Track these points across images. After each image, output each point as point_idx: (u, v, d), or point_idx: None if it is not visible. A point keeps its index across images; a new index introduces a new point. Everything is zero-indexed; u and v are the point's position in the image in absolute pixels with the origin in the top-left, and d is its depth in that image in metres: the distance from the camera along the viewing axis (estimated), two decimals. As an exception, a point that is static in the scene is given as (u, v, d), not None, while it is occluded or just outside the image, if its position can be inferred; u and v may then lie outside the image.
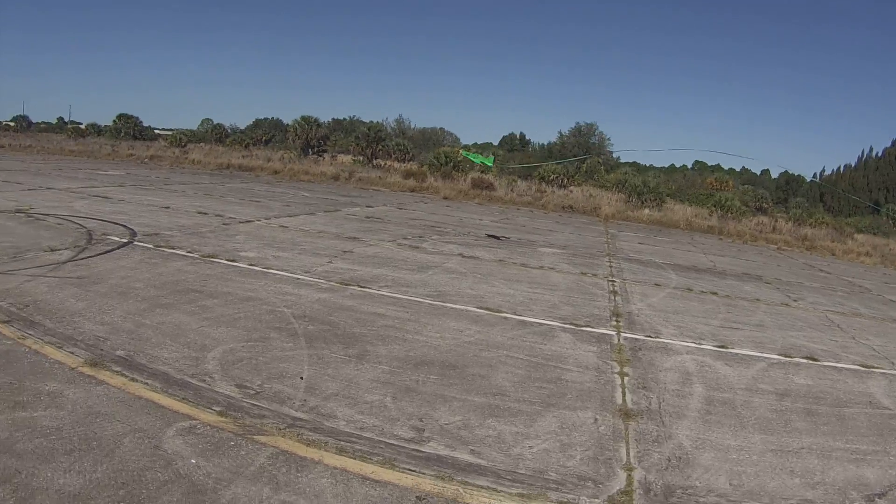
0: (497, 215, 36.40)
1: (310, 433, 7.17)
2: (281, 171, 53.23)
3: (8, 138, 70.10)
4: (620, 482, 6.80)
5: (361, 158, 65.13)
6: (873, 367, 12.40)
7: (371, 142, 66.08)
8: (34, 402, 7.20)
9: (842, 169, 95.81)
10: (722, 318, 15.15)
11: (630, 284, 18.47)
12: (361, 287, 14.25)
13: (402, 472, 6.51)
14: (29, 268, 12.97)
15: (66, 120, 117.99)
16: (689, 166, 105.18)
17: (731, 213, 45.75)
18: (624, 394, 9.45)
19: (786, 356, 12.38)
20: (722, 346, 12.52)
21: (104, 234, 17.40)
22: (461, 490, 6.28)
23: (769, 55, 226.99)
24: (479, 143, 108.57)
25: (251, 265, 15.36)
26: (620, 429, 8.20)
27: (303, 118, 69.64)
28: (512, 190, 50.13)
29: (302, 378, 8.76)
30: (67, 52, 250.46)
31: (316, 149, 69.08)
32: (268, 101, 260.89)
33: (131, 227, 19.08)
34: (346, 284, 14.35)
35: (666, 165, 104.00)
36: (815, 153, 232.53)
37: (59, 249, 14.88)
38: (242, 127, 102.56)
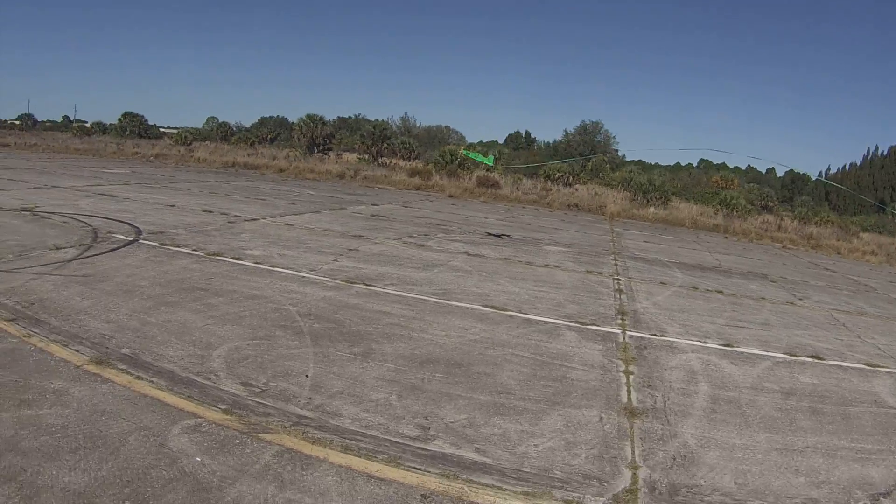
0: (502, 213, 36.41)
1: (315, 431, 7.17)
2: (286, 169, 53.27)
3: (13, 137, 70.13)
4: (625, 481, 6.80)
5: (367, 157, 65.17)
6: (878, 366, 12.38)
7: (376, 140, 66.10)
8: (39, 400, 7.20)
9: (847, 167, 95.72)
10: (727, 317, 15.14)
11: (635, 283, 18.46)
12: (367, 285, 14.25)
13: (408, 471, 6.50)
14: (34, 266, 12.99)
15: (71, 118, 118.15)
16: (695, 164, 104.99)
17: (737, 212, 45.70)
18: (629, 392, 9.44)
19: (791, 355, 12.37)
20: (727, 345, 12.51)
21: (109, 233, 17.41)
22: (466, 488, 6.27)
23: (774, 53, 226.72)
24: (484, 141, 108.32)
25: (256, 263, 15.37)
26: (625, 427, 8.19)
27: (308, 116, 69.74)
28: (517, 188, 50.15)
29: (307, 376, 8.77)
30: (72, 50, 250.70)
31: (321, 147, 69.15)
32: (273, 99, 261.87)
33: (137, 225, 19.10)
34: (352, 282, 14.36)
35: (671, 164, 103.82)
36: (821, 151, 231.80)
37: (64, 248, 14.89)
38: (248, 125, 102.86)
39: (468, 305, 13.42)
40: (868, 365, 12.37)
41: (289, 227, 22.00)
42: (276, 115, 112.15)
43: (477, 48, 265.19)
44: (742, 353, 12.18)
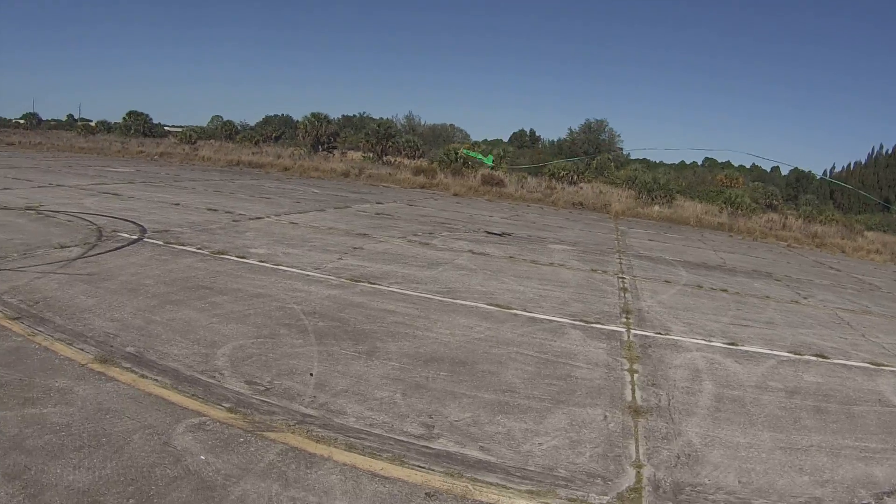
0: (507, 212, 36.38)
1: (319, 430, 7.18)
2: (291, 167, 53.31)
3: (18, 136, 70.21)
4: (630, 479, 6.79)
5: (371, 155, 65.18)
6: (883, 365, 12.36)
7: (381, 138, 66.14)
8: (44, 399, 7.22)
9: (852, 166, 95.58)
10: (732, 316, 15.13)
11: (640, 281, 18.45)
12: (371, 284, 14.26)
13: (412, 469, 6.51)
14: (39, 265, 13.01)
15: (76, 117, 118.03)
16: (700, 163, 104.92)
17: (742, 210, 45.63)
18: (633, 391, 9.44)
19: (795, 353, 12.35)
20: (732, 344, 12.50)
21: (114, 231, 17.44)
22: (470, 487, 6.28)
23: (780, 51, 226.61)
24: (489, 139, 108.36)
25: (261, 262, 15.38)
26: (630, 426, 8.19)
27: (313, 115, 69.78)
28: (522, 186, 50.14)
29: (312, 374, 8.77)
30: (77, 49, 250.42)
31: (326, 145, 69.22)
32: (278, 97, 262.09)
33: (141, 223, 19.12)
34: (356, 281, 14.37)
35: (676, 162, 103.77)
36: (826, 150, 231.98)
37: (69, 246, 14.92)
38: (252, 124, 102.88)
39: (473, 304, 13.42)
40: (872, 364, 12.35)
41: (293, 226, 22.02)
42: (280, 114, 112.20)
43: (481, 46, 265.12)
44: (746, 351, 12.17)
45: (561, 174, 56.09)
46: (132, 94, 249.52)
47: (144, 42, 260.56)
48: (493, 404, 8.41)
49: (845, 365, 12.07)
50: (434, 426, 7.60)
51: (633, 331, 12.74)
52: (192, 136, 72.39)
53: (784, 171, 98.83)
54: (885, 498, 6.98)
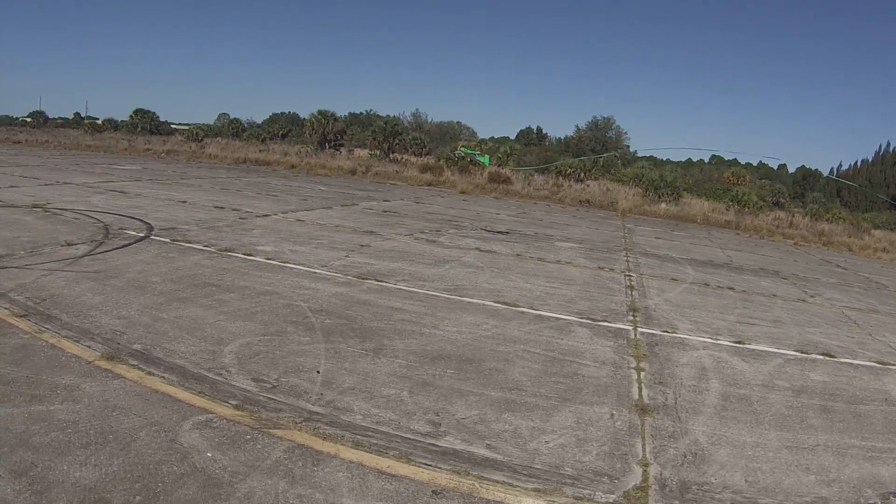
0: (514, 209, 36.36)
1: (326, 427, 7.18)
2: (298, 165, 53.35)
3: (25, 134, 70.50)
4: (636, 478, 6.79)
5: (378, 153, 65.31)
6: (890, 364, 12.33)
7: (388, 136, 66.23)
8: (51, 396, 7.23)
9: (859, 164, 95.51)
10: (738, 314, 15.10)
11: (647, 279, 18.43)
12: (378, 281, 14.27)
13: (419, 467, 6.51)
14: (46, 262, 13.03)
15: (83, 115, 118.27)
16: (706, 161, 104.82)
17: (748, 208, 45.59)
18: (640, 389, 9.43)
19: (802, 352, 12.33)
20: (738, 342, 12.48)
21: (121, 229, 17.47)
22: (477, 485, 6.27)
23: (787, 49, 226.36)
24: (496, 137, 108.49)
25: (268, 259, 15.39)
26: (636, 424, 8.18)
27: (319, 112, 69.91)
28: (529, 184, 50.15)
29: (319, 372, 8.77)
30: (83, 47, 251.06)
31: (333, 143, 69.32)
32: (284, 95, 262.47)
33: (148, 221, 19.15)
34: (364, 278, 14.37)
35: (683, 160, 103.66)
36: (833, 148, 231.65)
37: (76, 244, 14.94)
38: (259, 121, 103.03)
39: (480, 301, 13.41)
40: (879, 363, 12.32)
41: (300, 224, 22.03)
42: (287, 112, 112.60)
43: (489, 44, 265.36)
44: (753, 350, 12.15)
45: (568, 172, 56.08)
46: (139, 92, 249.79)
47: (151, 40, 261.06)
48: (499, 402, 8.40)
49: (852, 364, 12.04)
50: (441, 424, 7.60)
51: (639, 329, 12.73)
52: (198, 134, 72.57)
53: (791, 169, 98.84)
54: (891, 498, 6.96)
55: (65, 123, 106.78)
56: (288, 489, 5.81)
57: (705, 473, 7.03)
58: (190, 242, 16.51)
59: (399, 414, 7.76)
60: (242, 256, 15.43)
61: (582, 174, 56.92)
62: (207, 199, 26.62)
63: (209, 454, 6.28)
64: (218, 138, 75.81)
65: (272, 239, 18.28)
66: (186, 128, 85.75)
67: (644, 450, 7.47)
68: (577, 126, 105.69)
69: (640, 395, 9.20)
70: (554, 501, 6.17)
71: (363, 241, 19.57)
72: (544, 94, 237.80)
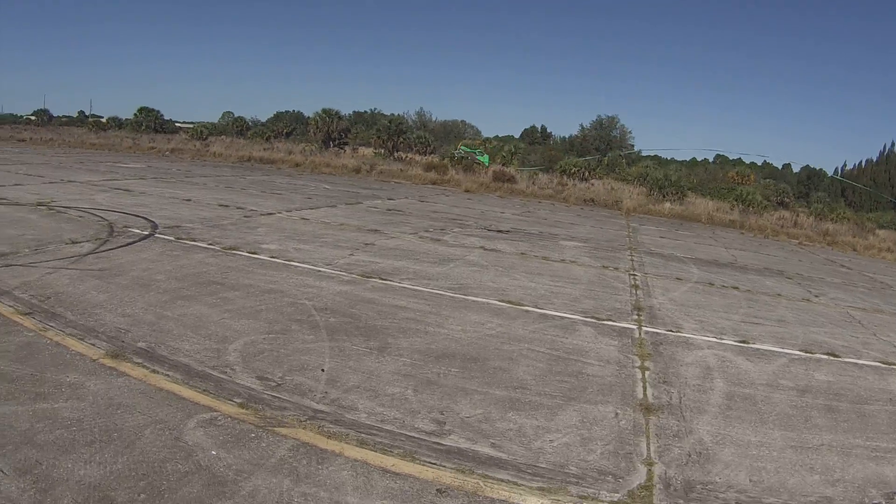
0: (518, 208, 36.34)
1: (331, 425, 7.19)
2: (302, 163, 53.37)
3: (29, 132, 70.56)
4: (640, 477, 6.78)
5: (383, 151, 65.33)
6: (894, 364, 12.31)
7: (392, 134, 66.28)
8: (55, 394, 7.24)
9: (863, 164, 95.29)
10: (743, 313, 15.09)
11: (651, 278, 18.42)
12: (383, 279, 14.28)
13: (423, 465, 6.51)
14: (50, 260, 13.05)
15: (87, 113, 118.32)
16: (711, 160, 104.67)
17: (753, 208, 45.56)
18: (645, 388, 9.42)
19: (807, 352, 12.32)
20: (743, 342, 12.47)
21: (125, 227, 17.49)
22: (481, 483, 6.27)
23: (792, 49, 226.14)
24: (500, 135, 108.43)
25: (273, 257, 15.40)
26: (641, 423, 8.18)
27: (324, 111, 69.90)
28: (533, 183, 50.15)
29: (323, 370, 8.78)
30: (87, 45, 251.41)
31: (337, 141, 69.30)
32: (289, 93, 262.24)
33: (153, 219, 19.18)
34: (368, 277, 14.38)
35: (687, 159, 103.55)
36: (837, 148, 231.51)
37: (80, 242, 14.96)
38: (263, 120, 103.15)
39: (484, 300, 13.41)
40: (884, 363, 12.31)
41: (305, 222, 22.04)
42: (291, 110, 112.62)
43: (493, 43, 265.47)
44: (758, 349, 12.14)
45: (572, 171, 56.06)
46: (143, 90, 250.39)
47: (155, 38, 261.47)
48: (504, 401, 8.40)
49: (856, 364, 12.03)
50: (445, 422, 7.60)
51: (644, 328, 12.73)
52: (203, 133, 72.60)
53: (795, 169, 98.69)
54: (895, 498, 6.96)
55: (69, 122, 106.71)
56: (292, 487, 5.82)
57: (710, 473, 7.03)
58: (194, 240, 16.53)
59: (403, 412, 7.76)
60: (247, 255, 15.44)
61: (586, 173, 56.89)
62: (212, 197, 26.65)
63: (214, 452, 6.28)
64: (222, 137, 75.76)
65: (277, 237, 18.29)
66: (191, 126, 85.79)
67: (648, 449, 7.47)
68: (581, 125, 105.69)
69: (645, 394, 9.20)
70: (558, 500, 6.17)
71: (367, 239, 19.58)
72: (549, 93, 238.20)
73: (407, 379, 8.78)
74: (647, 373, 10.09)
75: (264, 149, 62.58)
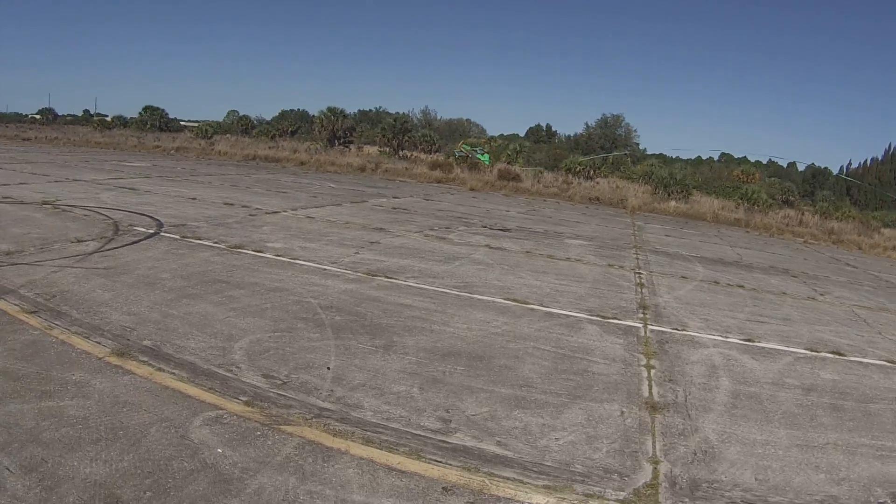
0: (524, 207, 36.32)
1: (336, 423, 7.19)
2: (307, 162, 53.39)
3: (34, 131, 70.86)
4: (646, 475, 6.78)
5: (388, 149, 65.38)
6: (900, 363, 12.32)
7: (397, 133, 66.31)
8: (61, 392, 7.25)
9: (868, 162, 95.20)
10: (748, 312, 15.08)
11: (657, 277, 18.41)
12: (388, 278, 14.28)
13: (429, 463, 6.51)
14: (56, 259, 13.06)
15: (92, 112, 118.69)
16: (716, 158, 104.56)
17: (758, 206, 45.49)
18: (650, 386, 9.42)
19: (812, 350, 12.30)
20: (748, 340, 12.46)
21: (131, 225, 17.50)
22: (487, 481, 6.27)
23: (797, 47, 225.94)
24: (505, 134, 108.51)
25: (278, 256, 15.41)
26: (647, 422, 8.18)
27: (329, 109, 69.87)
28: (538, 181, 50.08)
29: (329, 368, 8.78)
30: (92, 44, 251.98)
31: (342, 140, 69.28)
32: (294, 92, 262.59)
33: (158, 218, 19.19)
34: (373, 275, 14.38)
35: (692, 157, 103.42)
36: (842, 146, 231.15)
37: (85, 240, 14.98)
38: (268, 118, 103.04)
39: (490, 298, 13.41)
40: (889, 362, 12.29)
41: (310, 220, 22.04)
42: (296, 109, 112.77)
43: (498, 41, 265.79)
44: (763, 348, 12.13)
45: (577, 169, 56.03)
46: (148, 89, 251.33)
47: (160, 37, 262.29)
48: (510, 399, 8.40)
49: (862, 362, 12.02)
50: (451, 421, 7.60)
51: (650, 326, 12.72)
52: (208, 131, 72.55)
53: (800, 167, 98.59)
54: (902, 496, 6.95)
55: (74, 120, 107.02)
56: (298, 485, 5.82)
57: (715, 471, 7.02)
58: (200, 239, 16.54)
59: (409, 411, 7.77)
60: (252, 253, 15.45)
61: (591, 171, 56.86)
62: (217, 195, 26.66)
63: (219, 450, 6.29)
64: (227, 135, 75.83)
65: (282, 236, 18.30)
66: (196, 125, 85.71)
67: (654, 447, 7.47)
68: (586, 123, 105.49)
69: (651, 392, 9.19)
70: (564, 499, 6.17)
71: (373, 237, 19.59)
72: (554, 92, 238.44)
73: (412, 377, 8.78)
74: (652, 371, 10.08)
75: (269, 147, 62.62)
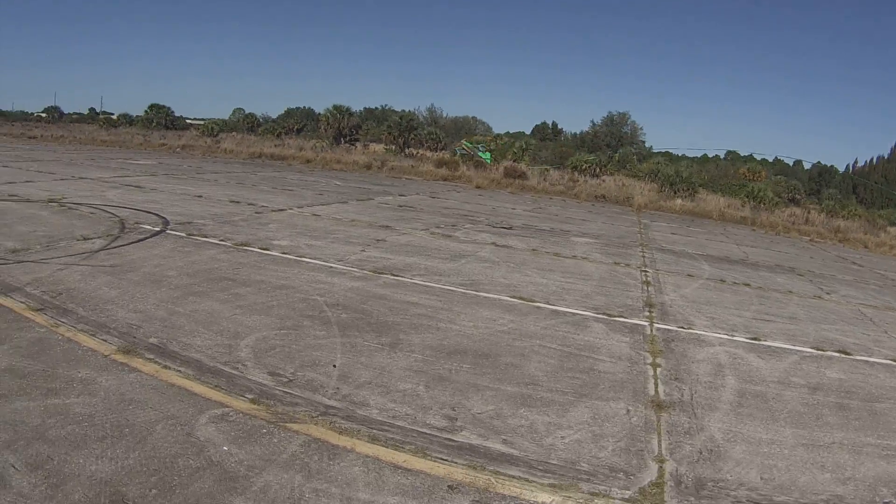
0: (530, 204, 36.28)
1: (342, 421, 7.20)
2: (313, 160, 53.35)
3: (40, 129, 70.79)
4: (652, 474, 6.78)
5: (393, 147, 65.27)
6: (906, 362, 12.30)
7: (403, 131, 66.20)
8: (67, 389, 7.26)
9: (875, 161, 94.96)
10: (754, 310, 15.06)
11: (663, 275, 18.39)
12: (394, 276, 14.29)
13: (435, 461, 6.52)
14: (62, 256, 13.08)
15: (98, 110, 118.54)
16: (722, 156, 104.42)
17: (764, 204, 45.40)
18: (656, 385, 9.42)
19: (818, 349, 12.28)
20: (754, 339, 12.44)
21: (137, 223, 17.52)
22: (493, 480, 6.27)
23: (803, 46, 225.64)
24: (511, 131, 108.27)
25: (284, 254, 15.42)
26: (652, 420, 8.17)
27: (335, 107, 69.68)
28: (544, 179, 50.03)
29: (335, 366, 8.79)
30: (98, 42, 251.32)
31: (348, 138, 69.17)
32: (299, 90, 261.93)
33: (164, 215, 19.21)
34: (379, 273, 14.39)
35: (698, 155, 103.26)
36: (849, 144, 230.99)
37: (91, 238, 15.00)
38: (274, 116, 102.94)
39: (496, 296, 13.41)
40: (895, 360, 12.28)
41: (316, 218, 22.06)
42: (302, 106, 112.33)
43: (504, 39, 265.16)
44: (769, 346, 12.12)
45: (583, 167, 55.97)
46: (154, 87, 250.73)
47: (166, 35, 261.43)
48: (515, 397, 8.41)
49: (868, 361, 12.00)
50: (457, 419, 7.61)
51: (656, 324, 12.71)
52: (214, 129, 72.54)
53: (806, 166, 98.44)
54: (907, 495, 6.94)
55: (80, 119, 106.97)
56: (304, 483, 5.83)
57: (721, 470, 7.02)
58: (206, 237, 16.56)
59: (415, 408, 7.77)
60: (258, 251, 15.46)
61: (598, 169, 56.78)
62: (223, 193, 26.69)
63: (225, 448, 6.30)
64: (233, 133, 75.71)
65: (288, 233, 18.31)
66: (201, 123, 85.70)
67: (660, 446, 7.47)
68: (592, 121, 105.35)
69: (656, 391, 9.19)
70: (570, 497, 6.17)
71: (379, 235, 19.59)
72: (560, 90, 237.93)
73: (418, 375, 8.79)
74: (658, 369, 10.08)
75: (275, 145, 62.61)
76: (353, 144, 67.76)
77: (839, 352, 12.30)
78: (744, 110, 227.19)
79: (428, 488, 6.00)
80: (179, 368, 8.20)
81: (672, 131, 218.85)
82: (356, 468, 6.21)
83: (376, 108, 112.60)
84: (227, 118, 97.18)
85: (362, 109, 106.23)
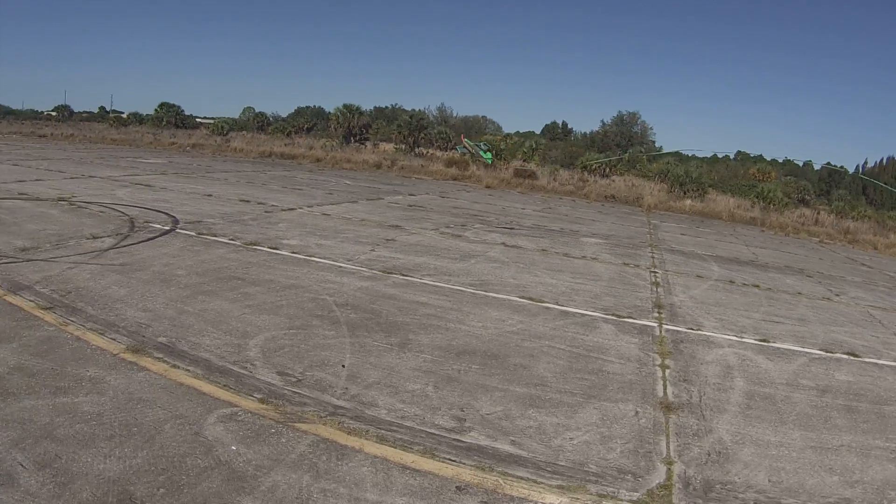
0: (539, 204, 36.29)
1: (351, 421, 7.20)
2: (323, 159, 53.42)
3: (50, 128, 70.94)
4: (660, 476, 6.77)
5: (403, 146, 65.29)
6: (916, 365, 12.26)
7: (413, 130, 66.24)
8: (75, 388, 7.27)
9: (885, 161, 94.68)
10: (764, 312, 15.03)
11: (672, 276, 18.37)
12: (404, 275, 14.29)
13: (443, 462, 6.52)
14: (71, 255, 13.11)
15: (108, 109, 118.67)
16: (732, 157, 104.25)
17: (774, 205, 45.31)
18: (665, 386, 9.40)
19: (827, 351, 12.25)
20: (763, 340, 12.42)
21: (146, 222, 17.55)
22: (501, 481, 6.27)
23: (813, 46, 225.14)
24: (521, 131, 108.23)
25: (293, 253, 15.43)
26: (661, 422, 8.16)
27: (345, 106, 69.71)
28: (554, 179, 50.04)
29: (344, 366, 8.79)
30: (108, 41, 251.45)
31: (358, 137, 69.23)
32: (310, 89, 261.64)
33: (173, 214, 19.23)
34: (389, 273, 14.39)
35: (708, 155, 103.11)
36: (859, 145, 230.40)
37: (101, 237, 15.03)
38: (284, 115, 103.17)
39: (505, 297, 13.41)
40: (905, 363, 12.26)
41: (326, 217, 22.08)
42: (312, 105, 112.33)
43: (514, 38, 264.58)
44: (778, 348, 12.09)
45: (593, 167, 55.95)
46: (164, 85, 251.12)
47: (176, 34, 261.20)
48: (524, 398, 8.40)
49: (877, 364, 11.97)
50: (465, 419, 7.61)
51: (665, 326, 12.69)
52: (223, 128, 72.71)
53: (816, 166, 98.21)
54: (915, 499, 6.93)
55: (90, 117, 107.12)
56: (312, 483, 5.83)
57: (729, 472, 7.01)
58: (215, 236, 16.58)
59: (424, 409, 7.78)
60: (268, 250, 15.48)
61: (607, 169, 56.77)
62: (233, 192, 26.73)
63: (234, 447, 6.30)
64: (243, 132, 75.89)
65: (297, 233, 18.33)
66: (211, 121, 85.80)
67: (668, 448, 7.46)
68: (602, 121, 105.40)
69: (665, 392, 9.18)
70: (578, 499, 6.17)
71: (389, 235, 19.61)
72: (570, 89, 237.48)
73: (427, 375, 8.79)
74: (667, 371, 10.07)
75: (285, 144, 62.75)
76: (363, 144, 67.83)
77: (848, 354, 12.28)
78: (754, 110, 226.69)
79: (436, 489, 6.00)
80: (188, 368, 8.22)
81: (682, 131, 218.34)
82: (364, 468, 6.21)
83: (386, 108, 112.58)
84: (237, 117, 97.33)
85: (372, 108, 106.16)
